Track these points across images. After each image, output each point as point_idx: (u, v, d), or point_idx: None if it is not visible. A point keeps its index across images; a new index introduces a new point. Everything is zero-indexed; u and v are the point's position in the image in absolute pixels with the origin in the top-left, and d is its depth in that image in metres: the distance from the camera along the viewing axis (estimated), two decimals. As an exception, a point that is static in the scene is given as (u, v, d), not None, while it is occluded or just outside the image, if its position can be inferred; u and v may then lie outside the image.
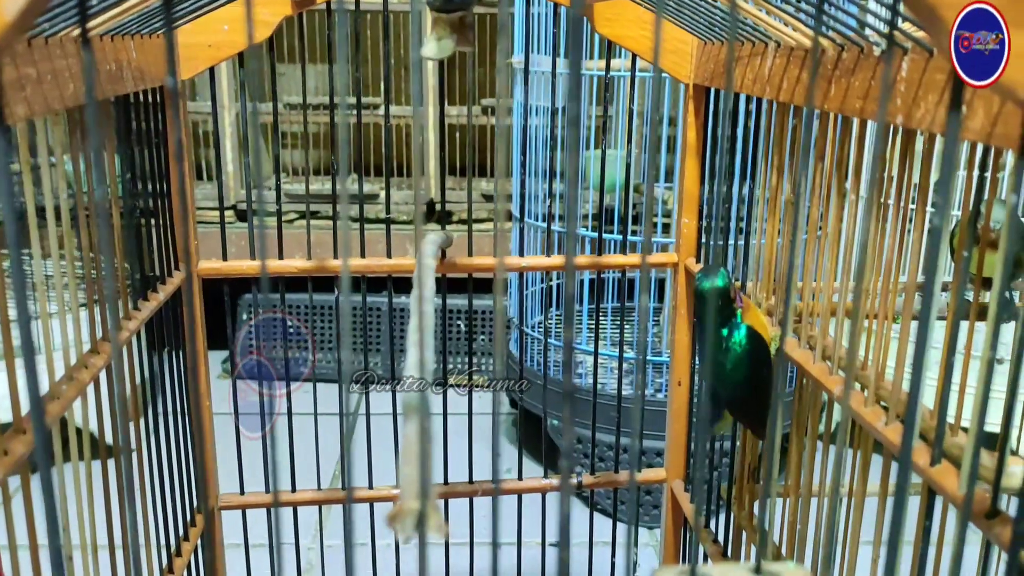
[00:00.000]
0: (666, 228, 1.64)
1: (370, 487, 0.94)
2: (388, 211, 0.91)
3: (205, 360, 0.90)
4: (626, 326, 1.67)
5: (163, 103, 0.80)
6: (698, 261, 0.89)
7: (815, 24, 0.57)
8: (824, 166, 0.63)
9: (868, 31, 0.53)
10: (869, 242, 0.58)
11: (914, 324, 0.54)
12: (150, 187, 0.77)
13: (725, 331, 0.63)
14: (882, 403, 0.57)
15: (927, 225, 0.52)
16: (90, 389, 0.63)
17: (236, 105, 2.19)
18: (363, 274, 0.89)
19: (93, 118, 0.23)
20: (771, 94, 0.68)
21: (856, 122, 0.59)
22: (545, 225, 1.57)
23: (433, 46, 0.56)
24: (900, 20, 0.49)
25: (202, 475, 0.90)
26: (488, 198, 2.21)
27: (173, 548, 0.81)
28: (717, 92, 0.83)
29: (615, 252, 1.44)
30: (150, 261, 0.76)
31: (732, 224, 0.83)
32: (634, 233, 1.67)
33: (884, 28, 0.51)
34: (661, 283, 1.72)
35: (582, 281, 1.77)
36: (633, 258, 0.95)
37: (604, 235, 1.37)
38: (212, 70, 0.82)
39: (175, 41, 0.78)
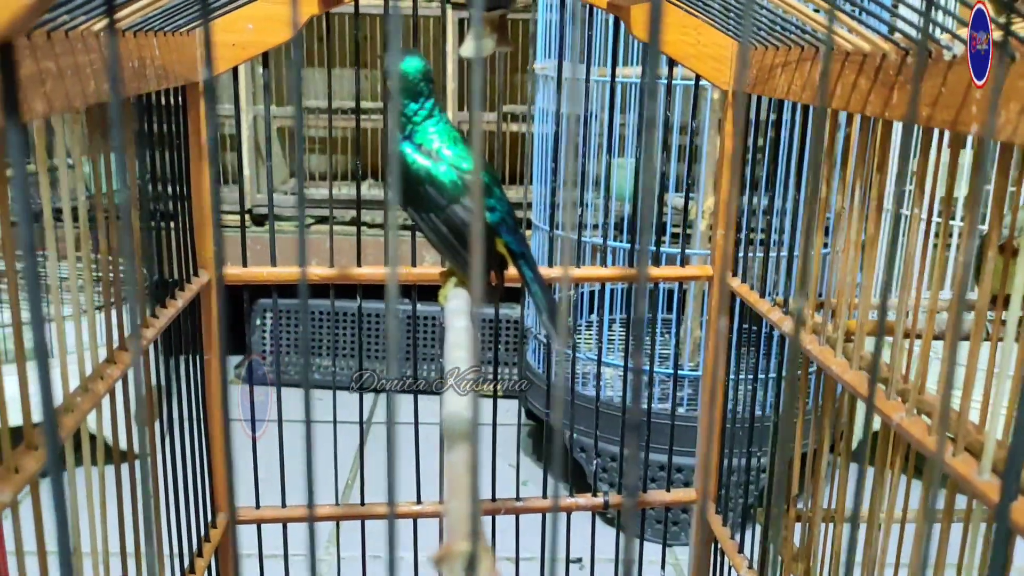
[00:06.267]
0: (688, 238, 1.60)
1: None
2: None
3: (224, 368, 0.87)
4: (656, 338, 1.63)
5: (185, 104, 0.77)
6: (735, 275, 0.86)
7: (828, 19, 0.54)
8: (884, 177, 0.60)
9: (940, 33, 0.49)
10: (915, 257, 0.55)
11: (989, 347, 0.51)
12: (170, 190, 0.74)
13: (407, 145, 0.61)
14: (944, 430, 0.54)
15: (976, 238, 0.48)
16: (105, 398, 0.60)
17: (254, 108, 2.17)
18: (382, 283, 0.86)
19: (118, 114, 0.21)
20: (820, 101, 0.65)
21: (919, 130, 0.56)
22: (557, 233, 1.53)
23: (472, 45, 0.53)
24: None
25: (227, 488, 0.87)
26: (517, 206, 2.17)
27: (187, 564, 0.78)
28: (759, 99, 0.80)
29: (622, 263, 1.40)
30: (169, 266, 0.74)
31: (770, 236, 0.80)
32: (661, 243, 1.64)
33: (953, 28, 0.47)
34: (672, 293, 1.69)
35: (592, 292, 1.74)
36: (665, 270, 0.92)
37: (613, 244, 1.33)
38: (235, 71, 0.79)
39: (200, 40, 0.76)
